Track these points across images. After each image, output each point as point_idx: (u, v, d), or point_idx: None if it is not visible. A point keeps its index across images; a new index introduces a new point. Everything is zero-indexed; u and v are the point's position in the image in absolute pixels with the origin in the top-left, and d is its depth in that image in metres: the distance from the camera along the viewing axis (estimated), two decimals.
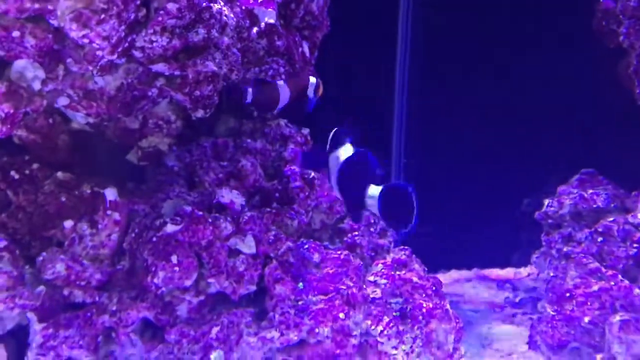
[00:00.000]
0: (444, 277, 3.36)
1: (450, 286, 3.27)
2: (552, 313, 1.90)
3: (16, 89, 1.52)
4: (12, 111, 1.52)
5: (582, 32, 2.71)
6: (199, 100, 1.84)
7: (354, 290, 1.71)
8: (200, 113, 1.89)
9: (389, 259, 2.13)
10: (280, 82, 1.66)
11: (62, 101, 1.77)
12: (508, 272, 3.34)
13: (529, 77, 2.91)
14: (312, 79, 1.71)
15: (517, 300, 2.98)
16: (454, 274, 3.45)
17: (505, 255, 3.13)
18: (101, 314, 1.62)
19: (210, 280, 1.65)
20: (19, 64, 1.54)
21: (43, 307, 1.61)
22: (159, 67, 1.71)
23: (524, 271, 3.30)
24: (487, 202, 2.92)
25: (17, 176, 1.79)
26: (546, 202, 2.30)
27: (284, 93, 1.65)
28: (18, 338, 1.66)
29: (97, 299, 1.64)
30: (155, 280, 1.60)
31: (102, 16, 1.42)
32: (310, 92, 1.71)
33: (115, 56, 1.57)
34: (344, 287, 1.71)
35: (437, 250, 3.43)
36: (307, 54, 2.30)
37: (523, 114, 2.92)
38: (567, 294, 1.89)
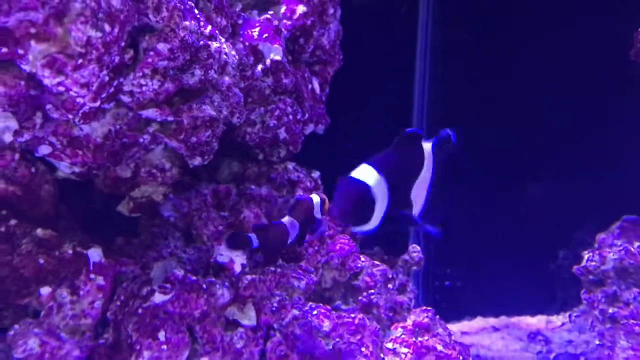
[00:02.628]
0: (469, 324, 3.10)
1: (476, 336, 3.00)
2: None
3: None
4: None
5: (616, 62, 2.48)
6: (195, 147, 1.65)
7: None
8: (197, 161, 1.70)
9: (409, 322, 1.89)
10: (286, 218, 1.46)
11: (44, 150, 1.59)
12: (540, 321, 3.05)
13: (564, 111, 2.69)
14: (316, 198, 1.53)
15: (551, 357, 2.70)
16: (480, 321, 3.18)
17: (538, 311, 2.86)
18: None
19: (204, 359, 1.43)
20: None
21: None
22: (150, 112, 1.53)
23: (556, 320, 3.01)
24: (517, 253, 2.68)
25: None
26: (586, 255, 2.04)
27: (292, 227, 1.44)
28: None
29: None
30: None
31: (80, 61, 1.24)
32: (317, 213, 1.51)
33: (97, 103, 1.39)
34: None
35: (462, 296, 3.18)
36: (318, 91, 2.11)
37: (555, 152, 2.69)
38: None
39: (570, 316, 2.13)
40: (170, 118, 1.56)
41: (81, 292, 1.52)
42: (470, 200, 2.95)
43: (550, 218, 2.72)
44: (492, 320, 3.15)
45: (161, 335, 1.39)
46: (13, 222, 1.63)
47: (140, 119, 1.59)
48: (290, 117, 1.92)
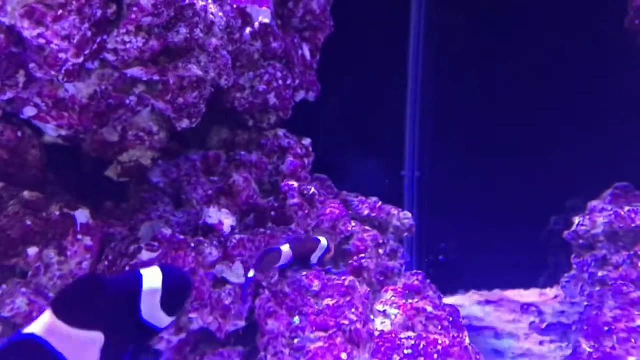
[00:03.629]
0: (462, 298, 3.11)
1: (470, 309, 3.01)
2: (588, 349, 1.65)
3: None
4: None
5: (612, 29, 2.47)
6: (182, 108, 1.64)
7: (358, 325, 1.48)
8: (185, 123, 1.69)
9: (399, 284, 1.89)
10: (285, 247, 1.42)
11: (29, 111, 1.58)
12: (532, 294, 3.06)
13: (556, 80, 2.67)
14: (323, 242, 1.49)
15: (543, 326, 2.71)
16: (474, 295, 3.19)
17: (529, 278, 2.86)
18: None
19: (192, 315, 1.42)
20: None
21: None
22: (135, 71, 1.51)
23: (549, 292, 3.02)
24: (509, 220, 2.67)
25: None
26: (576, 220, 2.04)
27: (285, 257, 1.42)
28: None
29: None
30: None
31: (59, 12, 1.22)
32: (314, 258, 1.48)
33: (80, 59, 1.37)
34: (346, 321, 1.48)
35: (455, 270, 3.18)
36: (308, 57, 2.09)
37: (548, 122, 2.68)
38: (606, 328, 1.64)
39: (561, 283, 2.13)
40: (155, 77, 1.54)
41: (68, 253, 1.52)
42: (463, 172, 2.95)
43: (543, 187, 2.72)
44: (485, 294, 3.16)
45: None
46: (0, 184, 1.62)
47: (125, 79, 1.58)
48: (280, 82, 1.91)
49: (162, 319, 0.92)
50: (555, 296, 2.94)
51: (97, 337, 0.86)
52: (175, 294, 0.93)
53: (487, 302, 3.09)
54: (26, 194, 1.61)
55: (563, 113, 2.66)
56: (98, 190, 1.84)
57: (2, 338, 1.38)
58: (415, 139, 3.18)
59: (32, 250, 1.51)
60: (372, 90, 2.89)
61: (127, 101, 1.61)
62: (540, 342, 2.65)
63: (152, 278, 0.91)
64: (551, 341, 2.52)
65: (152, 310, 0.91)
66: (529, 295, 3.06)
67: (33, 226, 1.54)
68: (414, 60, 3.04)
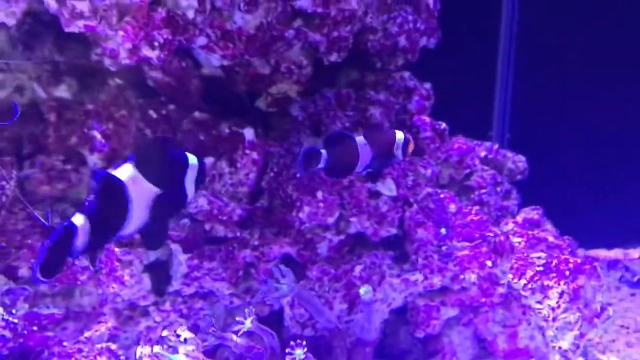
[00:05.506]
0: None
1: None
2: None
3: (174, 16, 1.53)
4: (170, 37, 1.53)
5: None
6: (335, 42, 1.81)
7: (502, 238, 1.63)
8: (334, 57, 1.86)
9: (519, 218, 2.03)
10: (360, 138, 1.39)
11: (201, 41, 1.77)
12: (617, 253, 3.13)
13: None
14: (400, 135, 1.43)
15: (634, 279, 2.80)
16: None
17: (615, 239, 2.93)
18: (242, 249, 1.60)
19: (352, 219, 1.60)
20: None
21: (187, 239, 1.61)
22: (304, 2, 1.68)
23: (634, 253, 3.09)
24: (598, 181, 2.75)
25: (155, 115, 1.81)
26: None
27: (365, 153, 1.38)
28: (158, 271, 1.67)
29: (238, 234, 1.63)
30: (300, 215, 1.57)
31: None
32: (397, 152, 1.42)
33: None
34: (490, 234, 1.63)
35: None
36: (431, 4, 2.22)
37: None
38: None
39: None
40: (319, 10, 1.71)
41: (238, 165, 1.71)
42: (554, 132, 3.02)
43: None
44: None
45: (319, 194, 1.57)
46: (171, 106, 1.83)
47: (288, 14, 1.76)
48: (411, 25, 2.05)
49: (191, 191, 1.19)
50: None
51: (154, 190, 1.10)
52: (202, 174, 1.22)
53: None
54: (197, 114, 1.82)
55: None
56: (247, 120, 2.03)
57: (192, 229, 1.59)
58: (507, 103, 3.26)
59: (208, 160, 1.71)
60: (461, 47, 2.96)
61: (287, 34, 1.79)
62: (632, 294, 2.74)
63: (193, 159, 1.20)
64: None
65: (189, 182, 1.18)
66: (614, 254, 3.13)
67: (206, 141, 1.75)
68: (507, 18, 3.12)
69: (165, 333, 1.15)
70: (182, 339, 1.12)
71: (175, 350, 1.11)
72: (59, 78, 1.94)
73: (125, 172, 1.08)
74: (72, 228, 1.01)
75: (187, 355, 1.09)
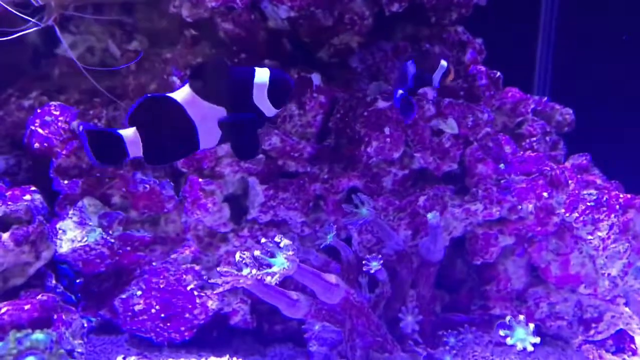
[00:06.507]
0: None
1: None
2: None
3: None
4: None
5: None
6: None
7: (557, 171, 1.72)
8: (395, 7, 1.96)
9: (568, 164, 2.11)
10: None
11: None
12: None
13: None
14: (443, 63, 1.53)
15: None
16: None
17: None
18: (313, 182, 1.73)
19: (416, 154, 1.71)
20: None
21: (263, 172, 1.75)
22: None
23: None
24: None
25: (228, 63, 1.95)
26: None
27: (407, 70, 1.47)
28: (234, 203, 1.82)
29: (309, 169, 1.76)
30: (369, 150, 1.69)
31: None
32: (435, 79, 1.51)
33: None
34: (547, 168, 1.72)
35: None
36: None
37: None
38: None
39: None
40: None
41: (307, 107, 1.84)
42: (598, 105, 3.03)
43: None
44: None
45: (386, 130, 1.69)
46: (243, 55, 1.97)
47: None
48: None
49: (269, 108, 1.18)
50: None
51: (220, 111, 1.12)
52: (279, 91, 1.19)
53: None
54: (267, 62, 1.95)
55: None
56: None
57: (267, 164, 1.71)
58: (549, 64, 3.29)
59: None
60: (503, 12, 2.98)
61: None
62: None
63: (262, 75, 1.17)
64: None
65: (260, 99, 1.17)
66: None
67: None
68: None
69: (263, 240, 1.28)
70: (281, 245, 1.25)
71: (273, 255, 1.24)
72: (131, 35, 2.10)
73: (180, 94, 1.10)
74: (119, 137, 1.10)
75: (287, 259, 1.22)
